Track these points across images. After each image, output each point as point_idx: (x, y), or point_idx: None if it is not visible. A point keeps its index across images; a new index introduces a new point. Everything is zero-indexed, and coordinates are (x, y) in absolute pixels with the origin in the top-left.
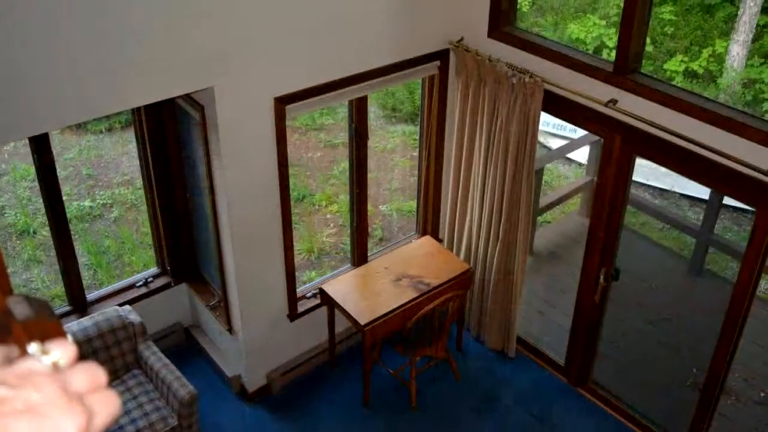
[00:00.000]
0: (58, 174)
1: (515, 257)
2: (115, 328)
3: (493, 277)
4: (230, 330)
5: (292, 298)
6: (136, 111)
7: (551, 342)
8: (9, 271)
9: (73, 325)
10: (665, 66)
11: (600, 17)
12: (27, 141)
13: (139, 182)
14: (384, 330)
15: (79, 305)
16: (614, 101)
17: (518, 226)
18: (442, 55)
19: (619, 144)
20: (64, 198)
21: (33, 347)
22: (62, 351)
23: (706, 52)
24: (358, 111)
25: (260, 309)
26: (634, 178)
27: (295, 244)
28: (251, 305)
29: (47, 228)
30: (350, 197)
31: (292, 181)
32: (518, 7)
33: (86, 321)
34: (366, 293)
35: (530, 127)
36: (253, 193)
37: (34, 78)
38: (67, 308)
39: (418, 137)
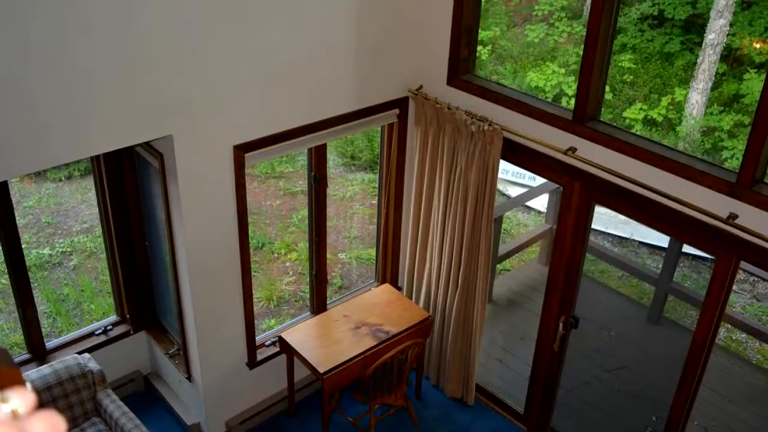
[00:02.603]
0: (17, 222)
1: (474, 305)
2: (75, 376)
3: (452, 325)
4: (189, 378)
5: (251, 346)
6: (95, 159)
7: (510, 390)
8: None
9: (32, 373)
10: (624, 114)
11: (559, 65)
12: None
13: (99, 230)
14: (343, 378)
15: (39, 353)
16: (573, 149)
17: (477, 274)
18: (401, 103)
19: (579, 192)
20: (23, 246)
21: None
22: (21, 399)
23: (665, 100)
24: (318, 159)
25: (219, 357)
26: (594, 226)
27: (254, 292)
28: (210, 353)
29: (6, 276)
30: (309, 245)
31: (251, 228)
32: (477, 55)
33: (45, 369)
34: (325, 341)
35: (489, 175)
36: (212, 241)
37: None
38: (27, 356)
39: (377, 185)
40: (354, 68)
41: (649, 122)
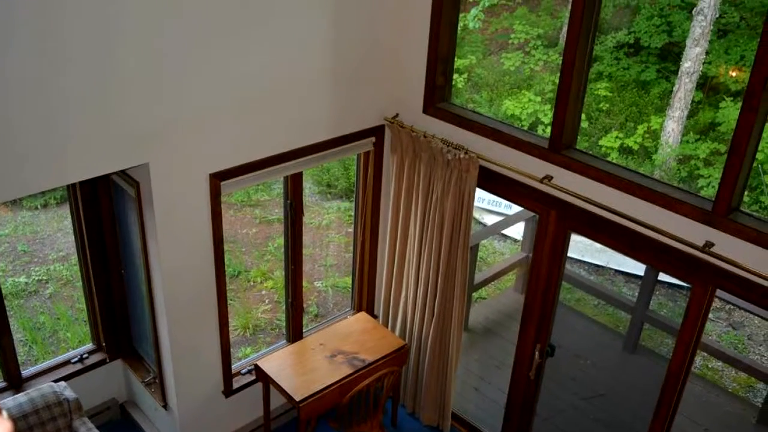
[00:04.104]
0: None
1: (450, 333)
2: (51, 404)
3: (428, 353)
4: (165, 406)
5: (228, 375)
6: (71, 187)
7: (486, 418)
8: None
9: (8, 401)
10: (601, 142)
11: (535, 93)
12: None
13: (75, 258)
14: (319, 406)
15: (15, 381)
16: (549, 177)
17: (453, 303)
18: (377, 132)
19: (555, 220)
20: None
21: None
22: None
23: (641, 128)
24: (294, 187)
25: (195, 385)
26: (570, 254)
27: (230, 320)
28: (186, 381)
29: None
30: (285, 273)
31: (227, 257)
32: (453, 83)
33: (21, 397)
34: (301, 369)
35: (465, 204)
36: (188, 269)
37: None
38: (2, 384)
39: (353, 213)
40: (330, 96)
41: (625, 150)
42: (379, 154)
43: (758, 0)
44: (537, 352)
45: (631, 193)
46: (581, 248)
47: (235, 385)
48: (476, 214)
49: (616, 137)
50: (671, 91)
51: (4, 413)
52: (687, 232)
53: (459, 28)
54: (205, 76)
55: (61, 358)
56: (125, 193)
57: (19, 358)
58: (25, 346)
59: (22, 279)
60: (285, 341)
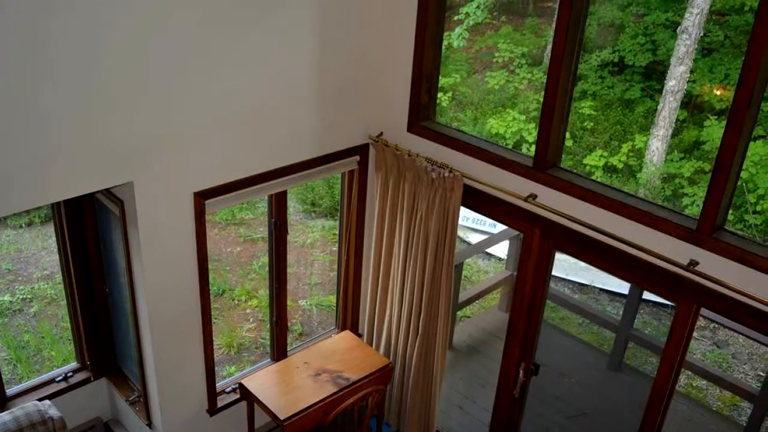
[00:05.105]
0: None
1: (435, 352)
2: (35, 422)
3: (412, 372)
4: (150, 425)
5: (212, 393)
6: (55, 205)
7: None
8: None
9: None
10: (585, 161)
11: (519, 112)
12: None
13: (59, 277)
14: (303, 424)
15: None
16: (534, 196)
17: (437, 321)
18: (361, 150)
19: (539, 239)
20: None
21: None
22: None
23: (625, 147)
24: (278, 206)
25: (180, 404)
26: (554, 272)
27: (214, 338)
28: (171, 400)
29: None
30: (270, 292)
31: (211, 275)
32: (438, 101)
33: (6, 416)
34: (285, 388)
35: (450, 222)
36: (172, 288)
37: None
38: None
39: (337, 232)
40: (315, 115)
41: (609, 169)
42: (364, 172)
43: (742, 19)
44: (521, 371)
45: (615, 212)
46: (566, 267)
47: (220, 404)
48: (461, 233)
49: (601, 156)
50: (656, 110)
51: None
52: (671, 250)
53: (443, 47)
54: (190, 95)
55: (45, 376)
56: (109, 211)
57: (3, 376)
58: (9, 364)
59: (7, 297)
60: (269, 360)
